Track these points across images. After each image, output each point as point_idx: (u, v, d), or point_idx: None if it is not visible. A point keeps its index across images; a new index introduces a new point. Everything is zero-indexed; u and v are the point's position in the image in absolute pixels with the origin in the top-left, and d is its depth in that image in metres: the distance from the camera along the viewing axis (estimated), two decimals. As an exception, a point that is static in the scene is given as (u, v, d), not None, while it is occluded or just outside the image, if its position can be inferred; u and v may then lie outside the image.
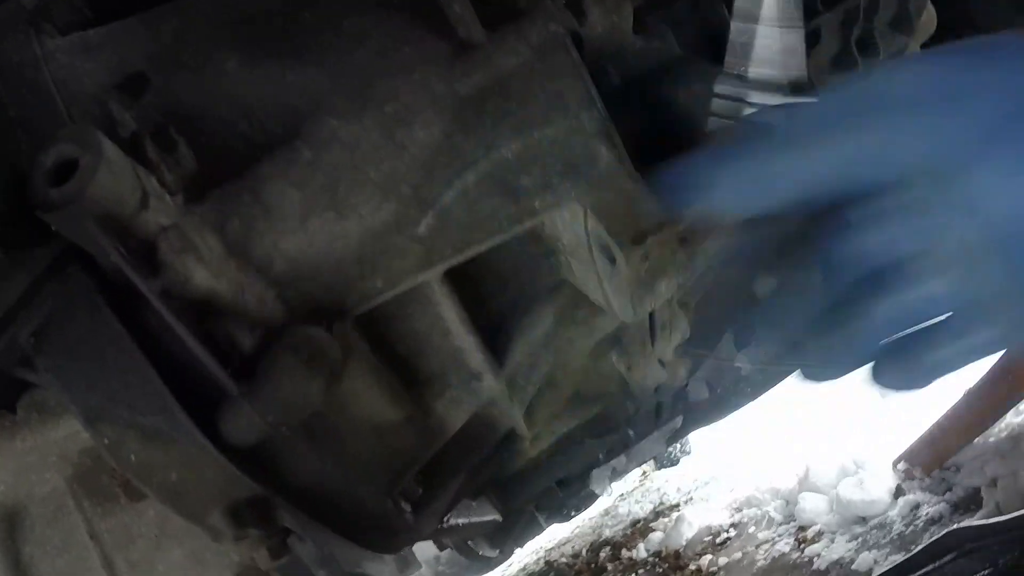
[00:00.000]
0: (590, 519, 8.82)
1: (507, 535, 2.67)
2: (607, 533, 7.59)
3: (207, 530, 1.03)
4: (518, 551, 9.12)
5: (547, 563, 7.74)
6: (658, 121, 1.24)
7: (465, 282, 1.24)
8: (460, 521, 1.84)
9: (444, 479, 1.35)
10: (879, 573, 3.38)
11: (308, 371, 0.97)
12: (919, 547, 3.05)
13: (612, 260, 1.08)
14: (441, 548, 2.40)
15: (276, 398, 0.96)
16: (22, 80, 1.02)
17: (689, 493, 7.43)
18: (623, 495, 9.14)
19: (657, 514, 7.28)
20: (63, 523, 1.41)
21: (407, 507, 1.28)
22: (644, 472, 9.65)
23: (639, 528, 7.12)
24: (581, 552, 7.42)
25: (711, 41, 1.48)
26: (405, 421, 1.17)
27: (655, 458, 8.94)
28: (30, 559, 1.41)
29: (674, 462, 8.93)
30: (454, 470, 1.36)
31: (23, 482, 1.36)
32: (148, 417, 0.97)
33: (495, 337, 1.29)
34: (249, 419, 0.96)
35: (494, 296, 1.30)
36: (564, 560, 7.48)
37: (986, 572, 2.78)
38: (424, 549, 2.85)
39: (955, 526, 3.10)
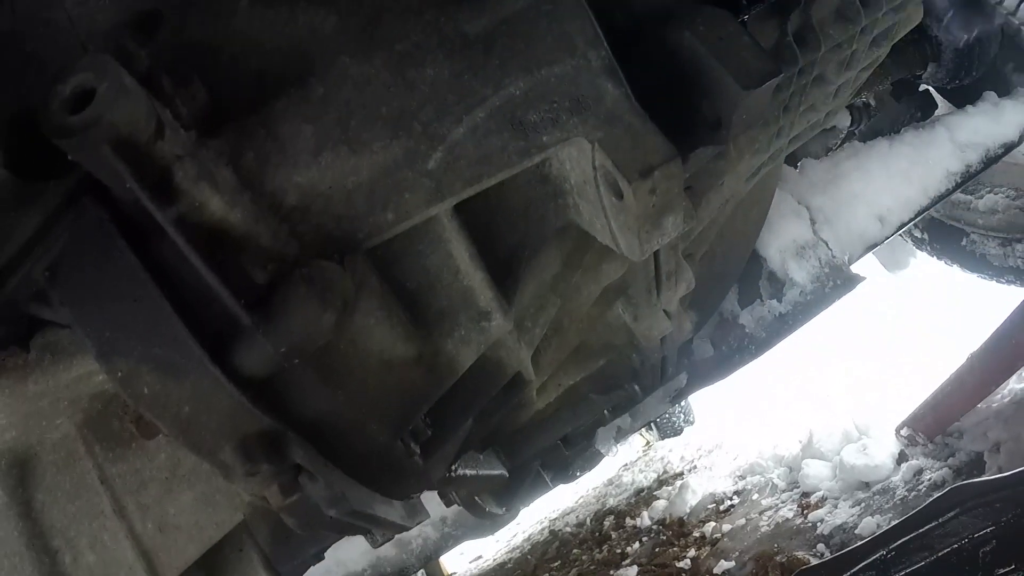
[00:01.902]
0: (594, 488, 8.88)
1: (514, 493, 2.68)
2: (611, 502, 7.63)
3: (218, 466, 1.04)
4: (523, 520, 9.18)
5: (552, 532, 7.77)
6: (664, 62, 1.25)
7: (475, 221, 1.25)
8: (467, 472, 1.85)
9: (453, 421, 1.36)
10: (882, 531, 3.39)
11: (320, 303, 0.98)
12: (923, 505, 3.06)
13: (619, 195, 1.09)
14: (448, 503, 2.40)
15: (288, 329, 0.97)
16: (39, 17, 1.03)
17: (693, 462, 7.46)
18: (627, 465, 9.19)
19: (661, 483, 7.30)
20: (74, 469, 1.42)
21: (416, 449, 1.29)
22: (648, 442, 9.71)
23: (643, 497, 7.14)
24: (585, 521, 7.45)
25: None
26: (415, 358, 1.18)
27: (659, 428, 8.99)
28: (42, 506, 1.42)
29: (678, 431, 8.98)
30: (463, 412, 1.37)
31: (34, 428, 1.38)
32: (161, 349, 0.98)
33: (504, 278, 1.30)
34: (262, 350, 0.98)
35: (503, 236, 1.31)
36: (569, 529, 7.52)
37: (988, 529, 2.80)
38: (431, 510, 2.87)
39: (957, 483, 3.12)
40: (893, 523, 3.33)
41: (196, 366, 0.97)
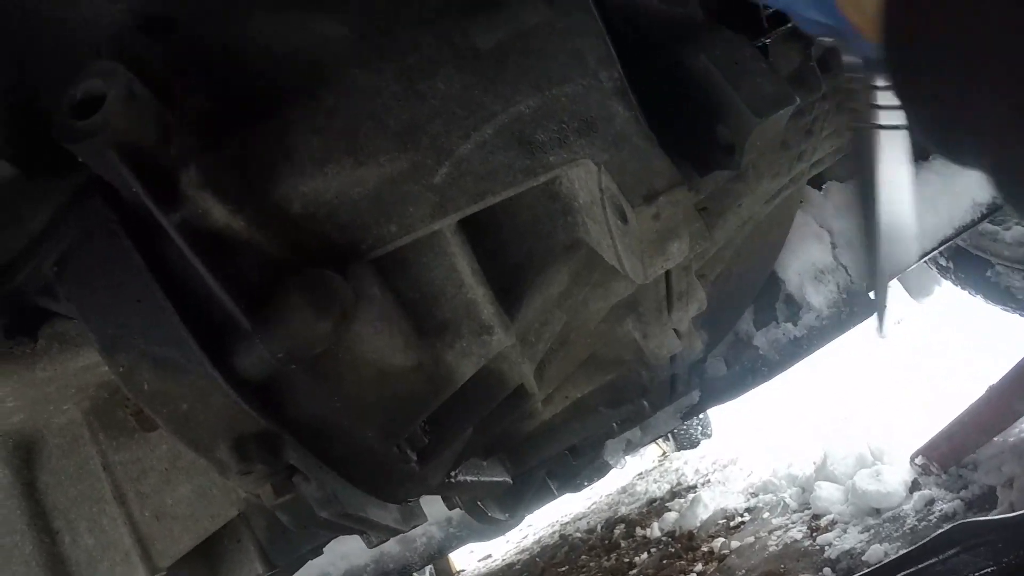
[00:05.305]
0: (607, 495, 8.89)
1: (518, 499, 2.69)
2: (623, 510, 7.63)
3: (214, 463, 1.05)
4: (534, 521, 9.20)
5: (562, 536, 7.79)
6: (676, 84, 1.25)
7: (481, 233, 1.25)
8: (469, 478, 1.86)
9: (452, 430, 1.37)
10: (883, 563, 3.38)
11: (318, 310, 0.99)
12: (925, 540, 3.05)
13: (624, 219, 1.10)
14: (450, 506, 2.42)
15: (286, 335, 0.98)
16: (53, 19, 1.04)
17: (707, 475, 7.45)
18: (641, 474, 9.19)
19: (674, 494, 7.30)
20: (78, 454, 1.44)
21: (412, 455, 1.30)
22: (664, 452, 9.70)
23: (655, 507, 7.15)
24: (596, 528, 7.46)
25: (735, 8, 1.48)
26: (414, 368, 1.18)
27: (676, 439, 8.98)
28: (45, 487, 1.44)
29: (694, 443, 8.96)
30: (462, 422, 1.38)
31: (41, 412, 1.40)
32: (162, 347, 0.99)
33: (509, 292, 1.31)
34: (260, 354, 0.99)
35: (510, 250, 1.31)
36: (579, 535, 7.53)
37: (989, 569, 2.77)
38: (436, 510, 2.88)
39: (961, 521, 3.10)
40: (896, 555, 3.31)
41: (195, 366, 0.98)
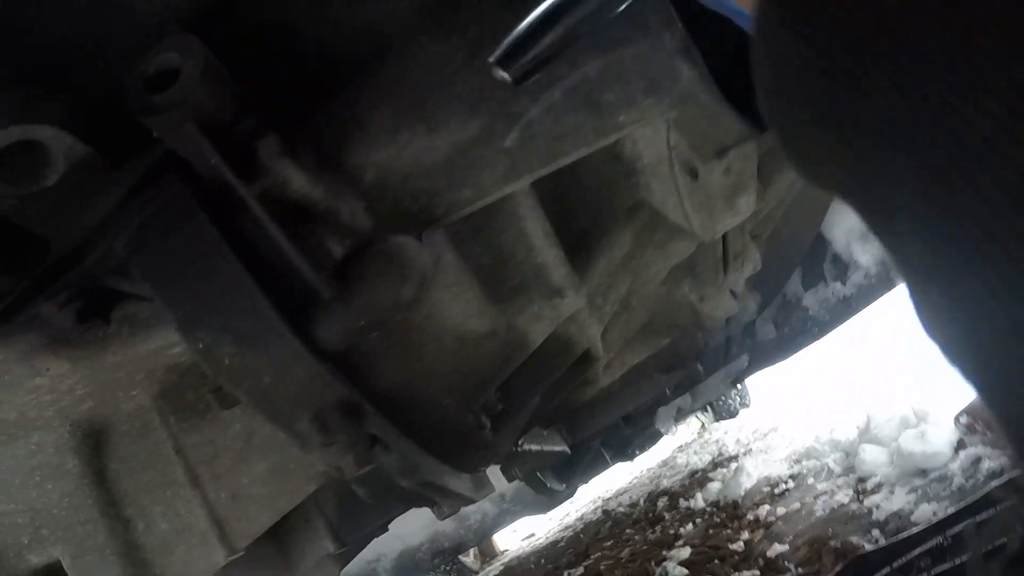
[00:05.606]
0: (648, 469, 8.87)
1: (574, 469, 2.70)
2: (665, 483, 7.61)
3: (295, 436, 1.06)
4: (576, 499, 9.20)
5: (605, 512, 7.78)
6: (735, 44, 1.25)
7: (549, 198, 1.25)
8: (532, 447, 1.87)
9: (523, 396, 1.37)
10: (939, 518, 3.36)
11: (399, 277, 1.00)
12: (979, 494, 3.02)
13: (694, 175, 1.10)
14: (510, 479, 2.43)
15: (367, 302, 0.99)
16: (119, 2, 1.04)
17: (748, 444, 7.42)
18: (682, 446, 9.17)
19: (715, 465, 7.28)
20: (148, 439, 1.44)
21: (487, 422, 1.30)
22: (703, 424, 9.67)
23: (697, 478, 7.12)
24: (639, 502, 7.44)
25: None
26: (489, 333, 1.19)
27: (715, 410, 8.95)
28: (116, 475, 1.45)
29: (733, 414, 8.94)
30: (533, 387, 1.38)
31: (110, 399, 1.40)
32: (242, 321, 0.99)
33: (576, 254, 1.31)
34: (341, 323, 0.99)
35: (576, 213, 1.32)
36: (622, 509, 7.52)
37: (1052, 517, 2.76)
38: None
39: (1016, 473, 3.07)
40: (950, 511, 3.29)
41: (276, 338, 0.99)
